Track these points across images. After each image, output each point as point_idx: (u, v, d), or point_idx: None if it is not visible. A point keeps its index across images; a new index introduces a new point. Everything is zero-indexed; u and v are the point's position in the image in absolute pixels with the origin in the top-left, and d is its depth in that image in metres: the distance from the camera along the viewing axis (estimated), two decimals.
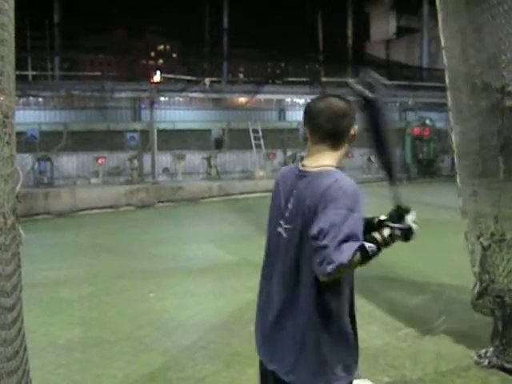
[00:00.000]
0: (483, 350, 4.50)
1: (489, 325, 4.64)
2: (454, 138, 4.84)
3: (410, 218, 2.09)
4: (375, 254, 1.99)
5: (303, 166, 2.22)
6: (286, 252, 2.18)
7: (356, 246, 1.94)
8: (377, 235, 2.04)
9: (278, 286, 2.23)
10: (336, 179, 2.06)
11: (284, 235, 2.21)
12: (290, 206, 2.20)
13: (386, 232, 2.06)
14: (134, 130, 19.29)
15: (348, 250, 1.92)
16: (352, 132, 2.22)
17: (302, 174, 2.19)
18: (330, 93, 2.34)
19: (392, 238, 2.06)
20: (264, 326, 2.36)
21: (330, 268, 1.90)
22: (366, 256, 1.97)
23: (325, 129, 2.18)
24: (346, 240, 1.93)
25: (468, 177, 4.70)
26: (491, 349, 4.46)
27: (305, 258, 2.09)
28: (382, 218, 2.17)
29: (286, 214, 2.21)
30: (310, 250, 2.01)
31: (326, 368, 2.11)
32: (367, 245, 1.98)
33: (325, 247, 1.92)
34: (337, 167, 2.17)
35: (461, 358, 4.62)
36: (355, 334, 2.21)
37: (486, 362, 4.40)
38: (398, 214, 2.11)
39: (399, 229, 2.07)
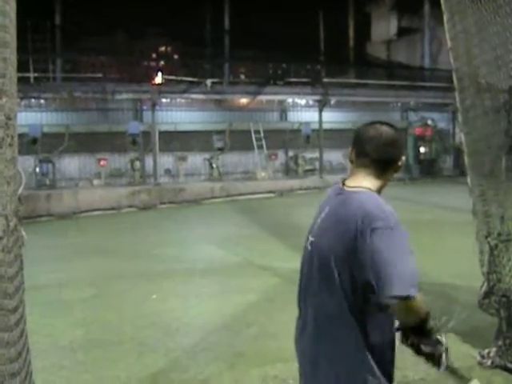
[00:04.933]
0: (486, 350, 4.49)
1: (492, 325, 4.64)
2: (463, 138, 4.84)
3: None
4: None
5: (344, 185, 2.19)
6: (311, 267, 2.17)
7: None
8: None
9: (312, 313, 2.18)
10: (370, 196, 2.06)
11: (309, 248, 2.20)
12: (319, 220, 2.18)
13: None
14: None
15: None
16: (399, 163, 2.18)
17: (340, 192, 2.16)
18: (382, 120, 2.29)
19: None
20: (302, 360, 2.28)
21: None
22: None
23: (371, 157, 2.13)
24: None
25: (476, 177, 4.69)
26: (494, 349, 4.45)
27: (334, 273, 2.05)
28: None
29: (315, 228, 2.19)
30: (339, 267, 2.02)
31: None
32: None
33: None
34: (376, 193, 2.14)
35: (464, 358, 4.61)
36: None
37: (489, 362, 4.40)
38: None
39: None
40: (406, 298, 1.88)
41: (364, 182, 2.12)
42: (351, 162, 2.21)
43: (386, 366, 2.11)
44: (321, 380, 2.12)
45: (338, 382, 2.07)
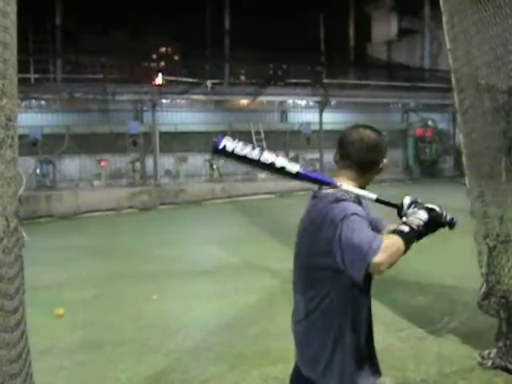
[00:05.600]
0: (487, 351, 4.49)
1: (492, 326, 4.64)
2: (462, 139, 4.84)
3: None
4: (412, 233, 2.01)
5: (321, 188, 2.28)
6: (296, 264, 2.35)
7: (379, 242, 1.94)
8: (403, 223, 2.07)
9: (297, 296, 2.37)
10: (334, 198, 2.12)
11: (295, 249, 2.35)
12: (302, 223, 2.33)
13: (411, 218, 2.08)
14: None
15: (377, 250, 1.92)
16: (380, 166, 2.29)
17: (314, 195, 2.29)
18: (363, 124, 2.38)
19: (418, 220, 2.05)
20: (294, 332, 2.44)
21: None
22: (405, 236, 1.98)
23: (352, 159, 2.24)
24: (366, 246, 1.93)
25: (475, 177, 4.69)
26: (495, 350, 4.45)
27: (311, 272, 2.22)
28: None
29: (299, 230, 2.34)
30: (314, 266, 2.18)
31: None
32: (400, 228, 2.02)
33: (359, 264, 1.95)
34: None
35: (464, 359, 4.61)
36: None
37: (490, 363, 4.39)
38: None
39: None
40: (371, 267, 1.92)
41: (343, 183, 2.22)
42: (336, 163, 2.33)
43: (363, 357, 2.26)
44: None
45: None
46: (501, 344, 4.42)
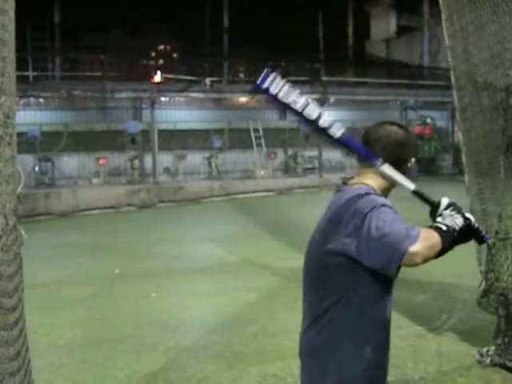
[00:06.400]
0: (485, 349, 4.49)
1: (491, 323, 4.64)
2: (461, 137, 4.85)
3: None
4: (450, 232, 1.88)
5: (346, 184, 2.13)
6: (306, 264, 2.14)
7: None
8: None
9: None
10: (363, 191, 1.97)
11: (309, 247, 2.14)
12: (322, 218, 2.12)
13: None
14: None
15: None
16: (408, 164, 2.12)
17: (338, 190, 2.11)
18: (392, 121, 2.24)
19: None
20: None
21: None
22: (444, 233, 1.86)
23: (379, 156, 2.04)
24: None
25: (474, 175, 4.70)
26: (493, 347, 4.45)
27: (325, 270, 2.00)
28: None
29: (317, 225, 2.12)
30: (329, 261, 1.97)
31: None
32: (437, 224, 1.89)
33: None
34: (378, 192, 2.04)
35: (463, 356, 4.62)
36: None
37: (488, 361, 4.40)
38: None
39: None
40: (406, 256, 1.78)
41: (367, 180, 2.07)
42: (359, 162, 2.14)
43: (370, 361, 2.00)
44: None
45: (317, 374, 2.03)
46: (499, 341, 4.43)
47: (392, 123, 2.17)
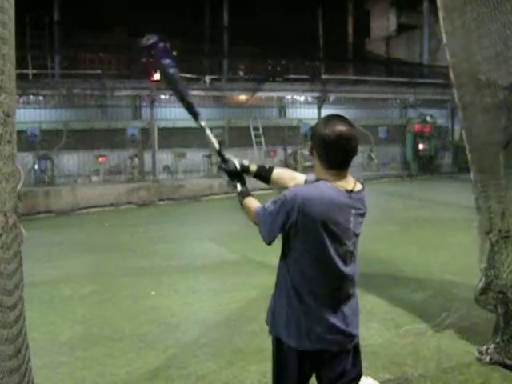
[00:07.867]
0: (484, 347, 4.50)
1: (490, 321, 4.65)
2: (464, 134, 4.84)
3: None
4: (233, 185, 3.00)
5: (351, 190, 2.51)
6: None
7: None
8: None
9: None
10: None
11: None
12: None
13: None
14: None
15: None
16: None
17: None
18: (338, 114, 2.55)
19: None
20: None
21: None
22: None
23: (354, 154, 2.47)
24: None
25: (478, 173, 4.69)
26: (492, 345, 4.46)
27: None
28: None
29: None
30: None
31: None
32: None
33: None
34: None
35: (462, 354, 4.63)
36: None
37: (488, 359, 4.41)
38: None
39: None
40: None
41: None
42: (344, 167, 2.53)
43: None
44: None
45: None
46: (498, 339, 4.44)
47: (343, 119, 2.45)
